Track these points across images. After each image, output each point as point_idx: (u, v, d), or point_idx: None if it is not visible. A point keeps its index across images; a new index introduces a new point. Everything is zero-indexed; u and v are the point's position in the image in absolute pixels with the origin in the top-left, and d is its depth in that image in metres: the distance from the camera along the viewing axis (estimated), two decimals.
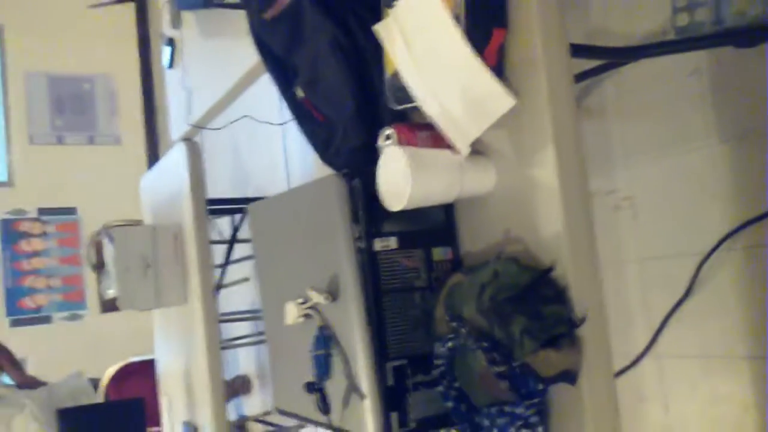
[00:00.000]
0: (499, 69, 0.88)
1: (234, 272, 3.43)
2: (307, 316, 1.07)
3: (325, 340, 1.01)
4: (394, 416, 0.94)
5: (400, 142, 0.94)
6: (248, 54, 1.67)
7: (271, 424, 3.51)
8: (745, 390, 1.38)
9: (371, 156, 0.98)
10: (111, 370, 3.19)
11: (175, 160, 2.19)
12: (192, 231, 2.10)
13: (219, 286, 2.65)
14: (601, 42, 1.61)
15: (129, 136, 5.14)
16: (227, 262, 2.76)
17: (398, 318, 0.97)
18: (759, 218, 1.31)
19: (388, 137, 0.96)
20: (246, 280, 3.68)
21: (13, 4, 4.78)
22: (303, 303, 1.07)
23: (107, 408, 2.42)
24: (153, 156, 5.06)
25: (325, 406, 1.00)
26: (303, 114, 1.28)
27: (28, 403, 2.98)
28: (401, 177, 0.88)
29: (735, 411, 1.40)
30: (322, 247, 1.03)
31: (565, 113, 0.85)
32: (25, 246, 4.74)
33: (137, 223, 2.70)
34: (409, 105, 0.97)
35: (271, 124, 2.15)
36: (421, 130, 0.96)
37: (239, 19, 1.43)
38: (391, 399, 0.95)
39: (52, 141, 4.96)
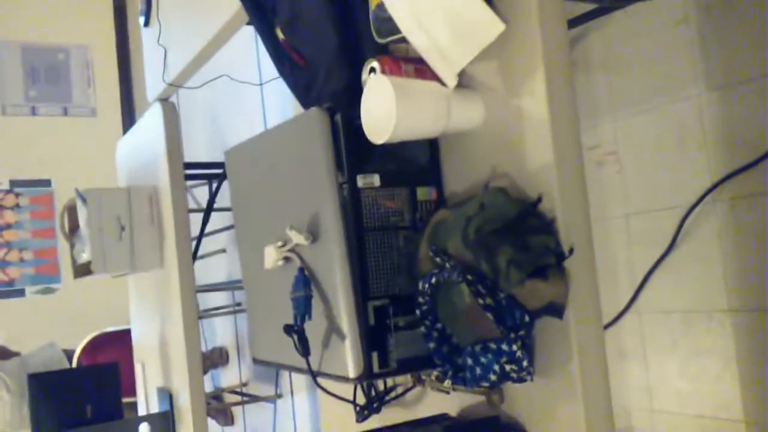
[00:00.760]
0: None
1: (211, 244, 3.39)
2: (286, 259, 1.04)
3: (305, 281, 0.98)
4: (374, 356, 0.92)
5: (385, 74, 0.91)
6: (226, 5, 1.63)
7: (247, 395, 3.49)
8: (727, 343, 1.37)
9: (355, 99, 0.94)
10: (85, 340, 3.15)
11: (150, 121, 2.14)
12: (168, 192, 2.05)
13: (195, 255, 2.60)
14: None
15: (105, 108, 5.05)
16: (203, 231, 2.72)
17: (380, 257, 0.94)
18: (745, 168, 1.30)
19: (372, 69, 0.93)
20: (223, 251, 3.65)
21: None
22: (282, 246, 1.04)
23: (81, 373, 2.37)
24: (129, 128, 4.97)
25: (304, 348, 0.97)
26: (283, 59, 1.24)
27: (0, 374, 2.93)
28: (386, 106, 0.85)
29: (716, 364, 1.40)
30: (302, 186, 1.00)
31: (556, 39, 0.82)
32: None
33: None
34: (394, 37, 0.94)
35: (251, 84, 2.10)
36: (406, 63, 0.93)
37: None
38: (372, 339, 0.92)
39: (26, 112, 4.86)
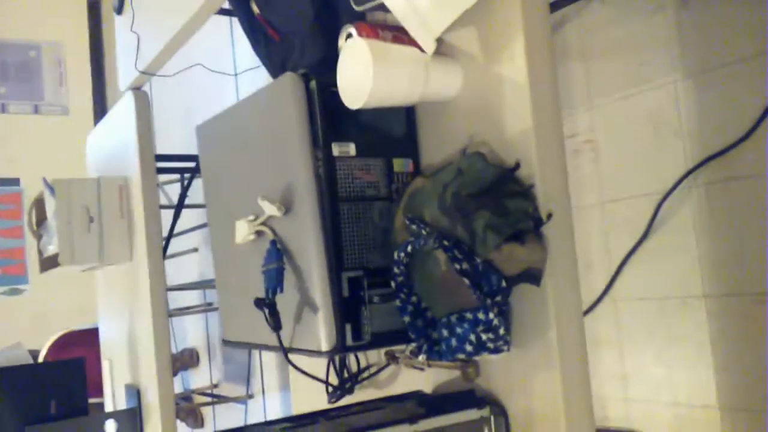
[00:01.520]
0: None
1: (183, 243, 3.34)
2: (258, 233, 1.02)
3: (277, 254, 0.96)
4: (348, 328, 0.89)
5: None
6: None
7: (217, 396, 3.44)
8: (701, 329, 1.37)
9: (331, 71, 0.92)
10: (51, 339, 3.08)
11: (122, 110, 2.10)
12: (139, 183, 2.01)
13: (165, 252, 2.56)
14: None
15: (77, 107, 4.96)
16: (173, 227, 2.67)
17: (355, 227, 0.92)
18: (719, 153, 1.30)
19: (349, 35, 0.91)
20: (195, 250, 3.59)
21: None
22: (254, 219, 1.02)
23: (46, 368, 2.30)
24: None
25: (275, 322, 0.94)
26: (258, 34, 1.22)
27: None
28: (362, 70, 0.83)
29: (690, 351, 1.39)
30: (275, 156, 0.97)
31: (536, 3, 0.81)
32: None
33: None
34: (372, 3, 0.92)
35: (225, 74, 2.07)
36: (383, 30, 0.92)
37: None
38: (346, 311, 0.90)
39: None
